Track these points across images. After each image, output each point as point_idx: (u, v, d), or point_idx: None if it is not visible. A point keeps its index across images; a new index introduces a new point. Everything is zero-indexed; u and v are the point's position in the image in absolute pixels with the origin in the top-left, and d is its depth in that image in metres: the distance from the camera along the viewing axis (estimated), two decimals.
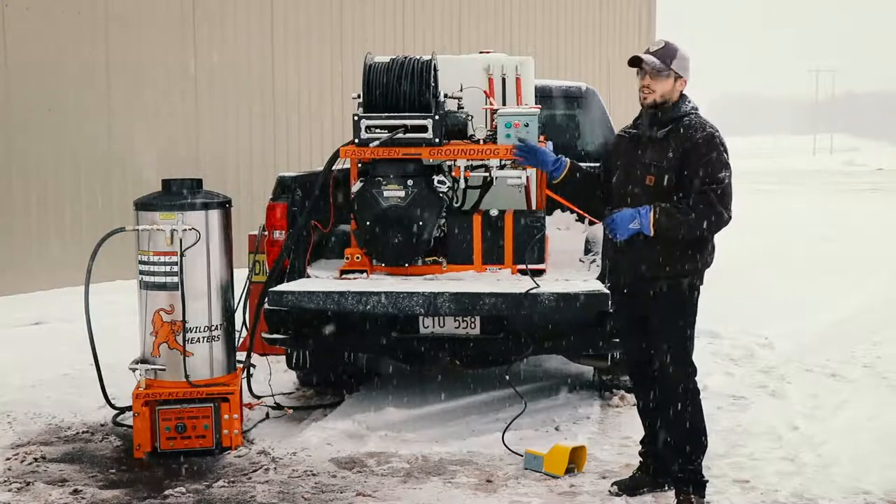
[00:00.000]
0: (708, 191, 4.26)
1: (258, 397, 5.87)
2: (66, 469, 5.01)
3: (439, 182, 5.65)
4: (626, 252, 4.46)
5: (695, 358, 4.54)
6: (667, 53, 4.37)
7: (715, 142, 4.31)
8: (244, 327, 5.77)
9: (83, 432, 5.59)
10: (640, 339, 4.58)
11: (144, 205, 5.24)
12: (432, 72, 5.67)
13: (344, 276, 5.66)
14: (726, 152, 4.35)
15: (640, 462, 4.75)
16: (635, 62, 4.41)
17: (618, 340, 4.95)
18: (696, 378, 4.53)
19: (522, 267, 5.51)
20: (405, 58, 5.75)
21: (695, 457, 4.49)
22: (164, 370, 5.24)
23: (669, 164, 4.34)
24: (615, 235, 4.37)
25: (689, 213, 4.25)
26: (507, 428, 5.38)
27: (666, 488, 4.64)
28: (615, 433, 5.59)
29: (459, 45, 15.17)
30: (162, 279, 5.18)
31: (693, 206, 4.26)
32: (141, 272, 5.25)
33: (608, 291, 5.18)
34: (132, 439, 5.23)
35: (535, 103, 6.53)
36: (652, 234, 4.29)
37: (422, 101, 5.62)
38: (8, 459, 5.14)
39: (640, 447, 4.79)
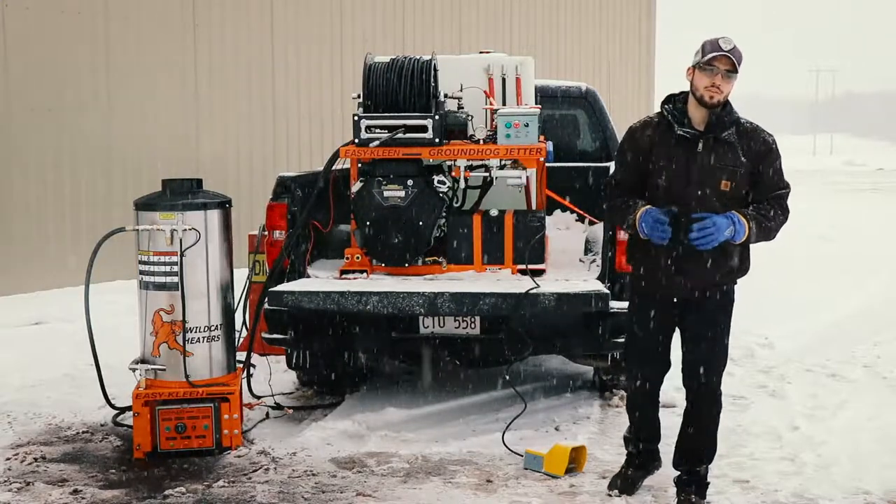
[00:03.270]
0: (784, 195, 4.28)
1: (258, 397, 5.87)
2: (66, 469, 5.01)
3: (439, 182, 5.66)
4: (686, 259, 4.23)
5: None
6: (738, 55, 4.15)
7: (778, 146, 4.32)
8: (244, 327, 5.77)
9: (83, 432, 5.59)
10: (665, 349, 4.50)
11: (144, 205, 5.24)
12: (432, 72, 5.67)
13: (344, 276, 5.66)
14: None
15: (628, 457, 4.73)
16: (720, 59, 4.10)
17: (637, 347, 4.61)
18: None
19: (522, 267, 5.52)
20: (405, 58, 5.75)
21: (706, 461, 4.50)
22: (164, 370, 5.24)
23: (744, 168, 4.23)
24: (707, 244, 4.09)
25: (772, 219, 4.22)
26: (507, 428, 5.38)
27: (655, 472, 4.68)
28: (615, 433, 5.57)
29: (459, 45, 15.17)
30: (162, 279, 5.18)
31: (773, 211, 4.23)
32: (141, 272, 5.25)
33: (608, 291, 5.18)
34: (132, 439, 5.23)
35: (535, 103, 6.53)
36: (742, 241, 4.19)
37: (422, 101, 5.63)
38: (8, 459, 5.14)
39: (628, 444, 4.74)
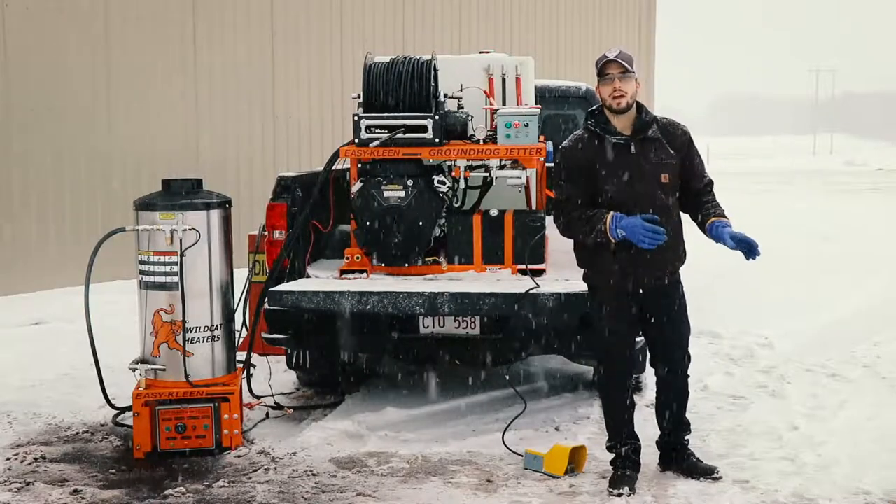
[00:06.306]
0: (711, 180, 4.74)
1: (258, 397, 5.88)
2: (66, 469, 5.01)
3: (439, 182, 5.66)
4: (649, 254, 4.49)
5: (695, 357, 4.94)
6: (627, 57, 4.54)
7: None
8: (244, 327, 5.77)
9: (83, 432, 5.59)
10: (633, 338, 4.80)
11: (144, 205, 5.24)
12: (432, 72, 5.67)
13: (344, 276, 5.67)
14: None
15: (619, 460, 4.79)
16: (610, 66, 4.48)
17: (614, 345, 4.76)
18: (695, 375, 4.99)
19: (522, 267, 5.52)
20: (405, 58, 5.76)
21: (689, 427, 4.93)
22: (164, 370, 5.24)
23: (675, 160, 4.60)
24: (657, 243, 4.43)
25: (722, 205, 4.70)
26: (507, 428, 5.38)
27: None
28: None
29: (459, 45, 15.18)
30: (162, 279, 5.18)
31: (714, 193, 4.72)
32: (141, 272, 5.25)
33: None
34: (132, 439, 5.23)
35: (535, 103, 6.53)
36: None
37: (422, 102, 5.63)
38: (8, 459, 5.14)
39: (617, 449, 4.83)
